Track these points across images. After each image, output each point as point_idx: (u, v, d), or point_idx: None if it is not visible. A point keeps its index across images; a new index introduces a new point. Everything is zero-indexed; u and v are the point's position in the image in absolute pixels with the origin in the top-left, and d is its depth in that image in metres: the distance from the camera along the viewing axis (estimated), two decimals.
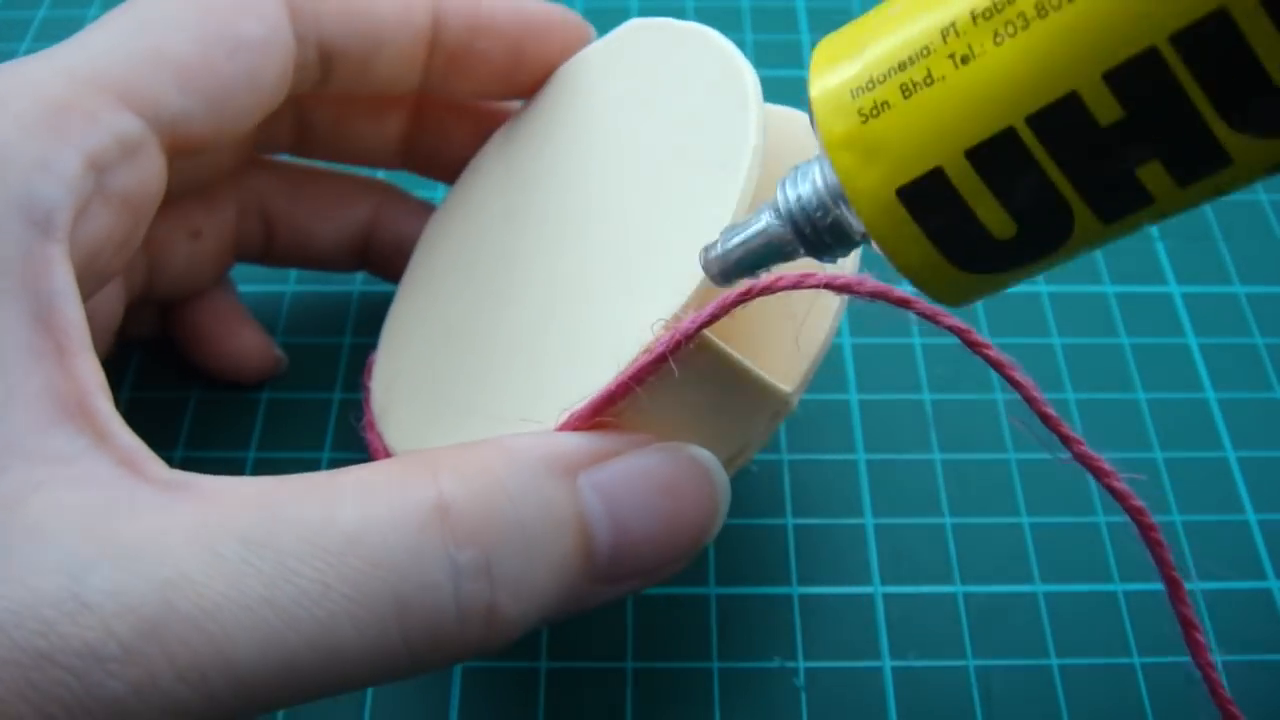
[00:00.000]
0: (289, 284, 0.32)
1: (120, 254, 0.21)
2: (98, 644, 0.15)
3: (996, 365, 0.18)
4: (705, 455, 0.20)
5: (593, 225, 0.22)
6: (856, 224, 0.16)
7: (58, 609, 0.15)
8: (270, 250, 0.29)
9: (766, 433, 0.21)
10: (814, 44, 0.39)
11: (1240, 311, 0.32)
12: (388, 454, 0.24)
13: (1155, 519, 0.28)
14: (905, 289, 0.18)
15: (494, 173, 0.27)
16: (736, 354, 0.19)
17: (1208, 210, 0.34)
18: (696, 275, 0.19)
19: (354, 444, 0.29)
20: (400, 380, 0.25)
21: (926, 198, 0.15)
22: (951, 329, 0.18)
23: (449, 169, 0.29)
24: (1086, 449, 0.19)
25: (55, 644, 0.15)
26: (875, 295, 0.18)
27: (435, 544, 0.17)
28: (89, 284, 0.20)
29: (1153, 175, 0.14)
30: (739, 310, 0.18)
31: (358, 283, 0.32)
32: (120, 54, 0.21)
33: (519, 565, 0.17)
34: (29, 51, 0.38)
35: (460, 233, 0.26)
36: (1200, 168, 0.14)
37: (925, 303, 0.18)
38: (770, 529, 0.27)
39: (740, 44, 0.22)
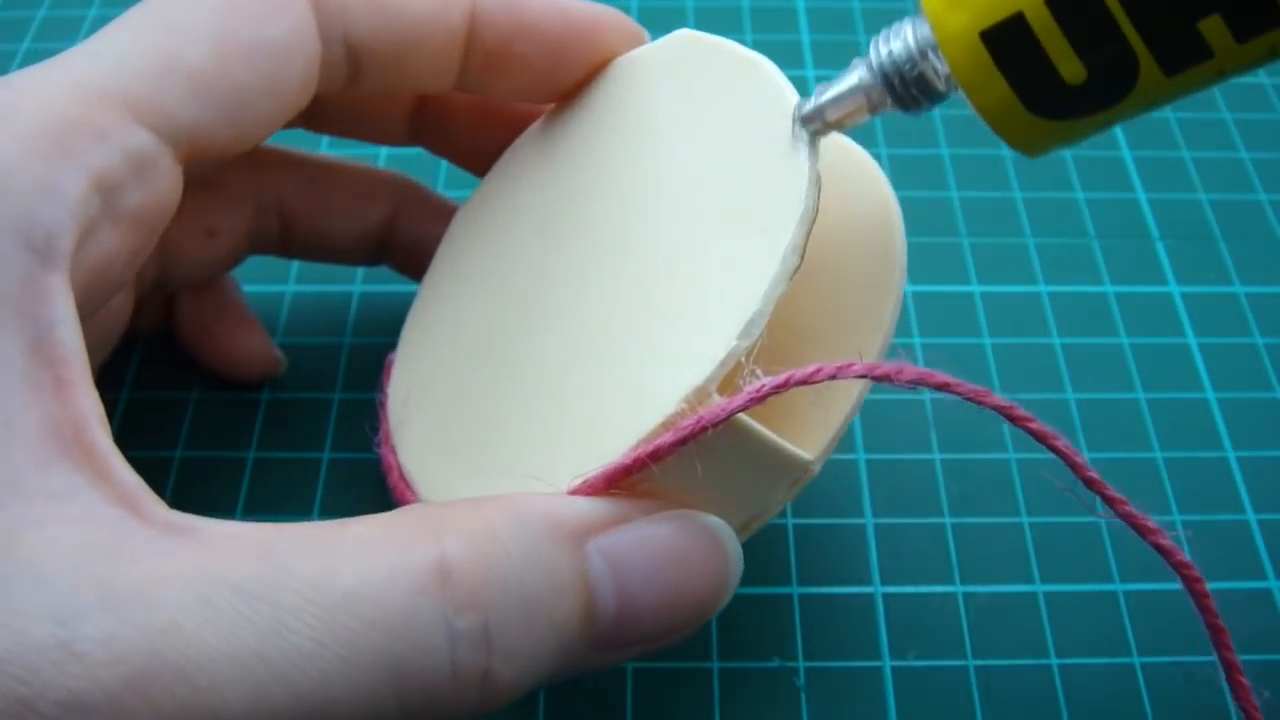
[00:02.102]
0: (289, 284, 0.32)
1: (130, 266, 0.21)
2: (83, 693, 0.15)
3: (1040, 437, 0.19)
4: (719, 525, 0.19)
5: (628, 262, 0.21)
6: (939, 79, 0.18)
7: (44, 657, 0.15)
8: (287, 246, 0.29)
9: (785, 499, 0.21)
10: (814, 44, 0.39)
11: (1240, 311, 0.32)
12: (401, 472, 0.24)
13: (1155, 519, 0.28)
14: (942, 372, 0.18)
15: (530, 176, 0.26)
16: (763, 429, 0.19)
17: (1208, 210, 0.34)
18: (726, 344, 0.18)
19: (353, 444, 0.29)
20: (418, 393, 0.25)
21: (1007, 41, 0.17)
22: (996, 408, 0.19)
23: (460, 151, 0.28)
24: (1131, 509, 0.20)
25: (38, 691, 0.15)
26: (915, 383, 0.18)
27: (434, 607, 0.17)
28: (97, 297, 0.20)
29: (1213, 29, 0.16)
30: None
31: (358, 282, 0.32)
32: (133, 62, 0.20)
33: (518, 631, 0.17)
34: (29, 52, 0.38)
35: (490, 238, 0.26)
36: (1256, 24, 0.16)
37: (967, 385, 0.18)
38: (771, 529, 0.27)
39: (740, 44, 0.22)
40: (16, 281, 0.18)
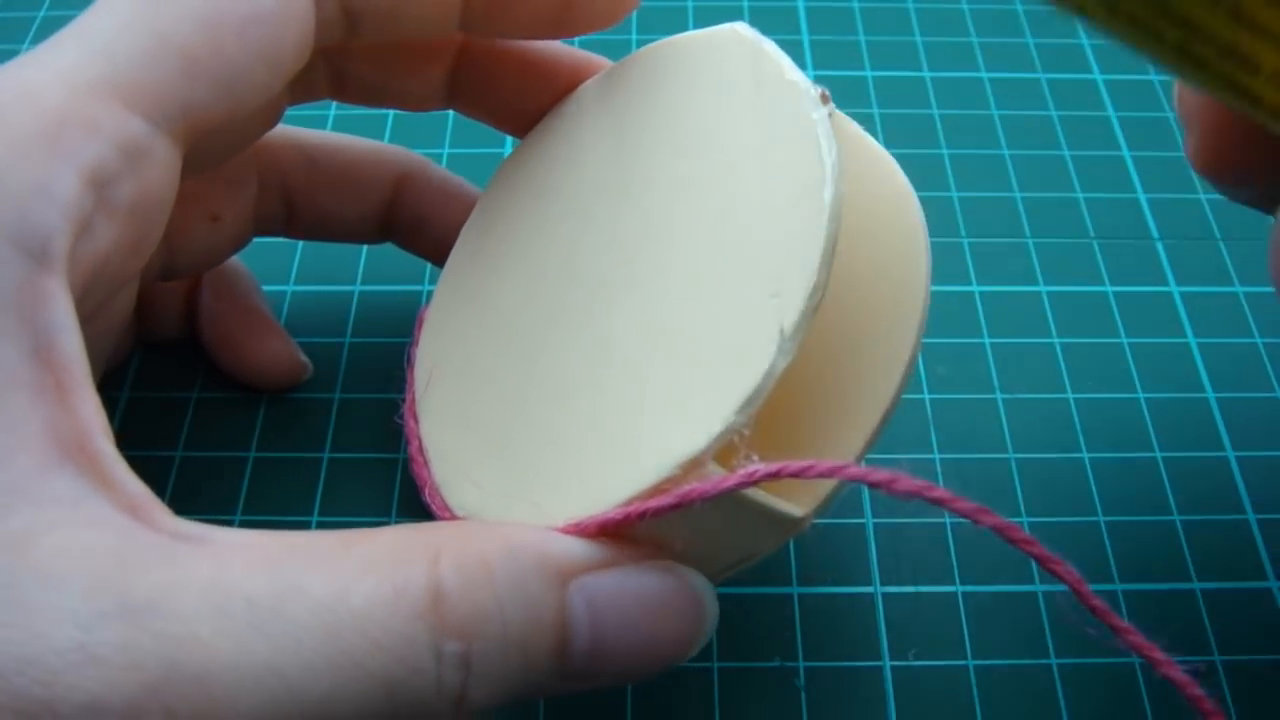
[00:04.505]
0: (289, 284, 0.32)
1: (134, 259, 0.21)
2: (101, 697, 0.15)
3: (1043, 561, 0.19)
4: (700, 581, 0.20)
5: (649, 281, 0.21)
6: None
7: (64, 660, 0.15)
8: (292, 227, 0.29)
9: (776, 546, 0.21)
10: (814, 44, 0.39)
11: (1240, 311, 0.32)
12: (421, 445, 0.24)
13: (1154, 519, 0.28)
14: (942, 487, 0.18)
15: (569, 149, 0.25)
16: (756, 494, 0.19)
17: (1208, 210, 0.34)
18: (724, 419, 0.18)
19: (353, 444, 0.29)
20: (444, 363, 0.25)
21: None
22: (993, 527, 0.18)
23: (498, 112, 0.27)
24: (1141, 639, 0.19)
25: (57, 694, 0.15)
26: (913, 494, 0.18)
27: (428, 632, 0.17)
28: (100, 294, 0.20)
29: None
30: (767, 424, 0.19)
31: (358, 282, 0.32)
32: (121, 46, 0.20)
33: (495, 659, 0.18)
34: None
35: (526, 207, 0.25)
36: None
37: (965, 502, 0.18)
38: None
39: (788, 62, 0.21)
40: (14, 287, 0.17)
